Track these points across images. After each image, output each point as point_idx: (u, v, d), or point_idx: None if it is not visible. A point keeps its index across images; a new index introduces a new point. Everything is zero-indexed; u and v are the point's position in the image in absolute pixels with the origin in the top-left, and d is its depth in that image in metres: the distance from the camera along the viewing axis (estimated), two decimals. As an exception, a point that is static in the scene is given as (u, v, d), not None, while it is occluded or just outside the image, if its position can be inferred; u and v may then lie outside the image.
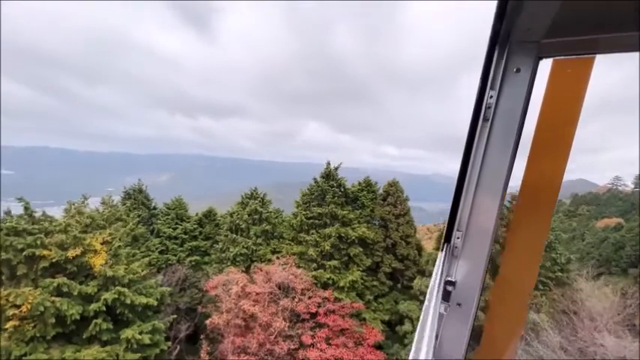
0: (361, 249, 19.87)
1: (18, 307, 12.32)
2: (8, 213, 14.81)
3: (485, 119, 1.37)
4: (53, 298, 12.93)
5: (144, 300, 15.35)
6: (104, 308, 14.06)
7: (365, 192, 22.37)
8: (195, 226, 23.69)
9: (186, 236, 23.06)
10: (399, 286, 20.86)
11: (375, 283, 20.18)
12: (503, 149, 1.37)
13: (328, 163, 22.03)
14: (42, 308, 12.52)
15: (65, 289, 13.29)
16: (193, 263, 22.43)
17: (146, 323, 15.43)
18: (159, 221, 22.71)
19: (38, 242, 13.29)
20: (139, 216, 21.73)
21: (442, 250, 1.65)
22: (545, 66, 1.34)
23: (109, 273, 14.36)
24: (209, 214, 24.80)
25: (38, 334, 12.78)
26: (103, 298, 13.95)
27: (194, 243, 23.14)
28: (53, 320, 12.80)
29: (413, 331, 17.89)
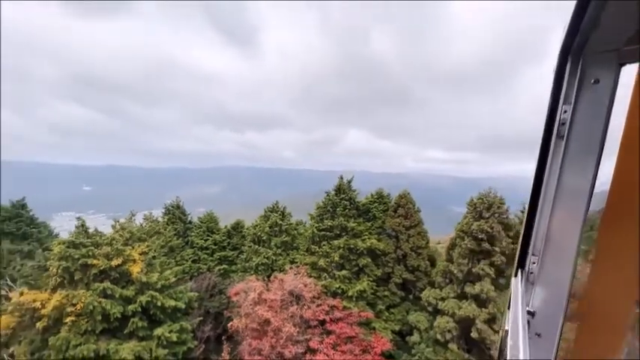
0: (370, 260, 20.60)
1: (74, 305, 15.31)
2: (79, 227, 18.21)
3: (560, 136, 1.30)
4: (100, 299, 15.79)
5: (173, 303, 17.79)
6: (140, 309, 16.70)
7: (377, 204, 23.10)
8: (223, 237, 26.25)
9: (216, 247, 25.67)
10: (410, 296, 21.12)
11: (386, 293, 20.72)
12: (583, 167, 1.27)
13: (341, 177, 23.23)
14: (91, 307, 15.41)
15: (109, 292, 16.14)
16: (222, 271, 24.86)
17: (175, 324, 17.84)
18: (192, 233, 25.66)
19: (90, 253, 16.36)
20: (175, 229, 24.85)
21: (515, 275, 1.55)
22: (627, 71, 1.25)
23: (144, 279, 17.03)
24: (236, 226, 27.27)
25: (90, 329, 15.69)
26: (139, 300, 16.61)
27: (223, 253, 25.66)
28: (100, 317, 15.63)
29: (421, 342, 18.14)
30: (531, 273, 1.46)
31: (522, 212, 19.28)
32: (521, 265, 1.52)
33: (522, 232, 1.48)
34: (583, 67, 1.25)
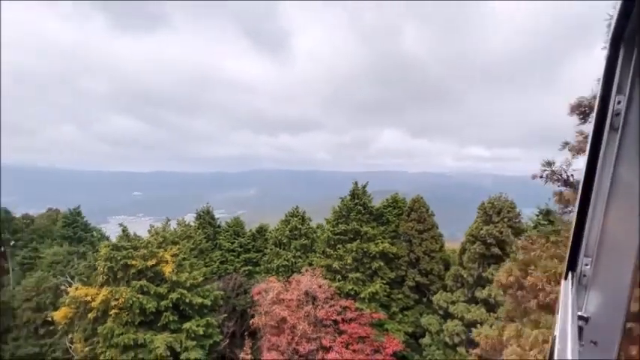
0: (384, 263, 21.17)
1: (117, 299, 17.73)
2: (125, 230, 20.90)
3: (614, 128, 1.21)
4: (138, 295, 18.11)
5: (200, 300, 19.79)
6: (171, 305, 18.84)
7: (390, 208, 23.59)
8: (248, 240, 28.16)
9: (242, 249, 27.62)
10: (424, 299, 21.34)
11: (400, 295, 21.17)
12: None
13: (355, 183, 24.05)
14: (131, 302, 17.75)
15: (146, 289, 18.42)
16: (247, 272, 26.72)
17: (202, 319, 19.80)
18: (220, 237, 27.86)
19: (129, 255, 18.81)
20: (205, 233, 27.17)
21: (565, 278, 1.45)
22: None
23: (175, 278, 19.18)
24: (260, 230, 29.07)
25: (130, 320, 18.04)
26: (170, 297, 18.75)
27: (248, 255, 27.55)
28: (138, 311, 17.93)
29: (431, 344, 18.43)
30: (584, 276, 1.36)
31: (537, 215, 18.83)
32: (572, 267, 1.42)
33: (572, 230, 1.37)
34: (639, 54, 1.17)
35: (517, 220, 17.32)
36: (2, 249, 38.00)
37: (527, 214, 19.16)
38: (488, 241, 16.72)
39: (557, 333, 1.27)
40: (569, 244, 1.37)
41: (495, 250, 16.70)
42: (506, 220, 16.90)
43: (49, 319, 22.49)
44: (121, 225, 20.39)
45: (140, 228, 23.81)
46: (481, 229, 17.25)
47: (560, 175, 8.26)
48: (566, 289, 1.39)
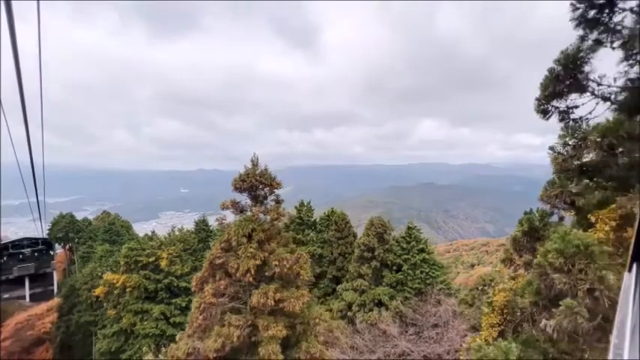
0: (312, 261, 29.09)
1: (130, 282, 27.81)
2: (137, 236, 31.21)
3: None
4: (143, 279, 28.07)
5: (185, 284, 29.37)
6: (164, 287, 28.61)
7: (324, 220, 31.34)
8: (231, 242, 37.43)
9: (225, 249, 36.99)
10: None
11: (322, 285, 29.04)
12: None
13: (302, 201, 32.13)
14: (139, 284, 27.75)
15: (148, 276, 28.34)
16: (229, 266, 36.07)
17: (186, 297, 29.40)
18: (211, 240, 37.43)
19: (138, 254, 28.84)
20: (199, 237, 36.92)
21: (629, 270, 1.39)
22: None
23: (167, 269, 28.93)
24: (241, 234, 38.22)
25: (138, 296, 28.08)
26: (164, 282, 28.53)
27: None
28: (143, 290, 27.91)
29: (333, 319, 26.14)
30: None
31: (409, 229, 25.55)
32: (638, 257, 1.31)
33: (638, 220, 1.27)
34: None
35: (385, 232, 24.29)
36: (70, 245, 51.73)
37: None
38: (362, 247, 24.03)
39: (614, 329, 1.22)
40: (634, 233, 1.29)
41: (368, 254, 23.96)
42: (374, 233, 24.01)
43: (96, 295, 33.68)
44: (158, 223, 30.52)
45: (187, 222, 34.18)
46: (360, 238, 24.56)
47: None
48: (629, 281, 1.31)
